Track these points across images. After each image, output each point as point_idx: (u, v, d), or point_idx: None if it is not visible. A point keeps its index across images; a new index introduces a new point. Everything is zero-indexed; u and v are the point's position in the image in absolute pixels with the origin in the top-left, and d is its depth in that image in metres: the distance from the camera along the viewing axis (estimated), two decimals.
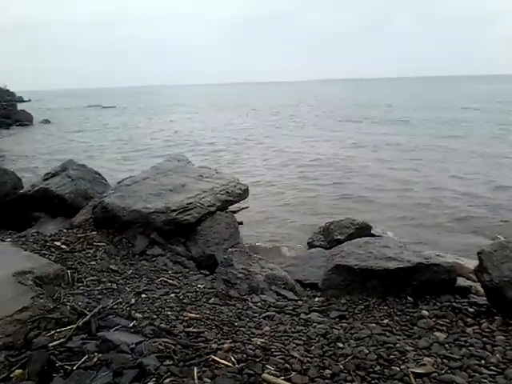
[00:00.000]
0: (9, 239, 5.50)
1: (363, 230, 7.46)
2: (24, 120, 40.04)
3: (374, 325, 3.76)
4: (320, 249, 7.06)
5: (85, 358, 2.64)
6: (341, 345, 3.31)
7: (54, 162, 16.64)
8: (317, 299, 4.67)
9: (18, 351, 2.79)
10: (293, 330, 3.62)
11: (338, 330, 3.64)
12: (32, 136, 31.42)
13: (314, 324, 3.80)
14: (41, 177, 8.21)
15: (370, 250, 4.81)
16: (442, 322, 3.72)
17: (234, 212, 7.15)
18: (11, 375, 2.53)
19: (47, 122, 41.84)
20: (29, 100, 72.10)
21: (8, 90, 52.73)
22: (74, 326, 3.07)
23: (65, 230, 6.02)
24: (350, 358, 3.07)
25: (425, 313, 3.92)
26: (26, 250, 4.62)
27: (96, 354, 2.70)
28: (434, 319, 3.78)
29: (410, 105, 48.98)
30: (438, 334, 3.51)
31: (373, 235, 7.32)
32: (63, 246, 5.24)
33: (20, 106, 45.49)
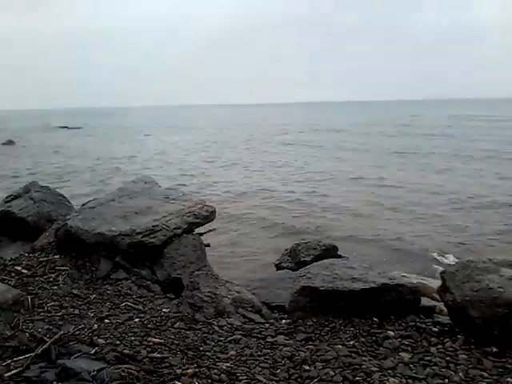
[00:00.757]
0: None
1: (330, 251, 7.50)
2: None
3: (340, 346, 3.75)
4: (287, 270, 7.05)
5: None
6: (307, 367, 3.30)
7: (18, 184, 16.30)
8: (284, 321, 4.64)
9: None
10: (259, 353, 3.59)
11: (305, 352, 3.62)
12: None
13: (281, 347, 3.77)
14: (2, 199, 7.99)
15: (336, 272, 4.82)
16: (406, 342, 3.74)
17: (201, 234, 7.08)
18: None
19: (11, 142, 40.96)
20: None
21: None
22: (33, 354, 2.98)
23: (26, 254, 5.86)
24: (315, 380, 3.06)
25: (390, 333, 3.94)
26: None
27: (55, 382, 2.62)
28: (399, 339, 3.80)
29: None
30: (403, 354, 3.53)
31: (339, 256, 7.38)
32: (24, 271, 5.10)
33: None
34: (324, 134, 44.19)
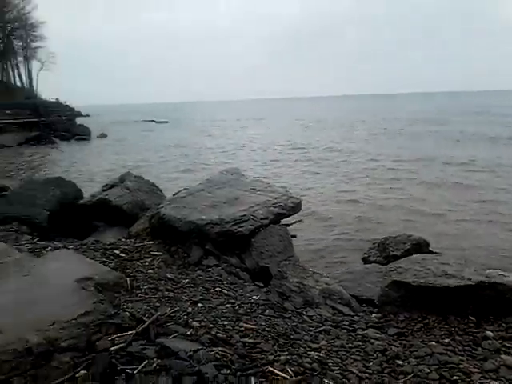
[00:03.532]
0: (71, 247, 5.70)
1: (420, 246, 7.27)
2: (82, 134, 41.72)
3: (434, 343, 3.63)
4: (375, 264, 6.93)
5: (144, 363, 2.69)
6: (400, 362, 3.23)
7: (112, 174, 17.22)
8: (374, 315, 4.57)
9: (81, 353, 2.87)
10: (350, 345, 3.56)
11: (397, 347, 3.55)
12: (90, 149, 32.67)
13: (372, 340, 3.72)
14: (100, 188, 8.48)
15: (429, 267, 4.67)
16: (509, 345, 3.54)
17: (287, 225, 7.13)
18: (76, 375, 2.60)
19: (104, 136, 43.28)
20: (87, 115, 74.88)
21: (68, 106, 55.12)
22: (134, 331, 3.13)
23: (123, 239, 6.19)
24: (410, 376, 2.99)
25: (489, 333, 3.75)
26: (87, 258, 4.77)
27: (155, 359, 2.74)
28: (499, 341, 3.61)
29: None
30: (505, 356, 3.34)
31: (430, 252, 7.12)
32: (122, 255, 5.38)
33: (78, 121, 47.31)
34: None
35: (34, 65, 67.27)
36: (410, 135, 34.14)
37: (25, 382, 2.62)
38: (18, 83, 68.43)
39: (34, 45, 66.01)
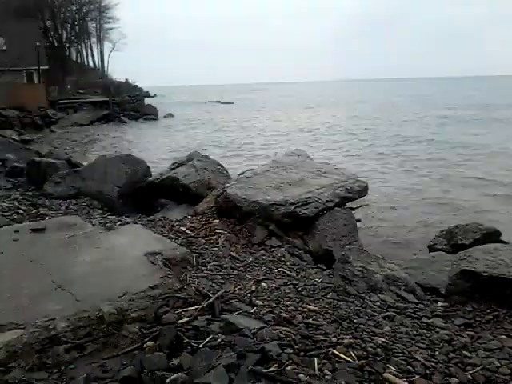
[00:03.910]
0: (140, 222, 5.90)
1: (491, 236, 6.93)
2: (150, 114, 42.78)
3: (504, 337, 3.49)
4: (442, 252, 6.69)
5: (210, 337, 2.75)
6: (468, 354, 3.12)
7: (178, 152, 17.59)
8: (439, 304, 4.45)
9: (149, 325, 2.98)
10: (414, 332, 3.48)
11: (464, 338, 3.43)
12: (158, 128, 33.51)
13: (437, 329, 3.62)
14: (168, 166, 8.69)
15: (502, 258, 4.47)
16: None
17: (352, 209, 7.03)
18: (144, 346, 2.71)
19: (171, 115, 44.19)
20: (154, 95, 76.52)
21: (137, 86, 56.56)
22: (200, 306, 3.22)
23: (189, 217, 6.33)
24: (478, 368, 2.89)
25: None
26: (155, 233, 4.92)
27: (220, 335, 2.79)
28: None
29: None
30: None
31: (502, 242, 6.80)
32: (188, 232, 5.51)
33: (146, 101, 48.50)
34: None
35: (106, 46, 69.34)
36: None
37: (96, 349, 2.76)
38: (91, 64, 70.94)
39: (106, 26, 68.04)
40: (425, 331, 3.55)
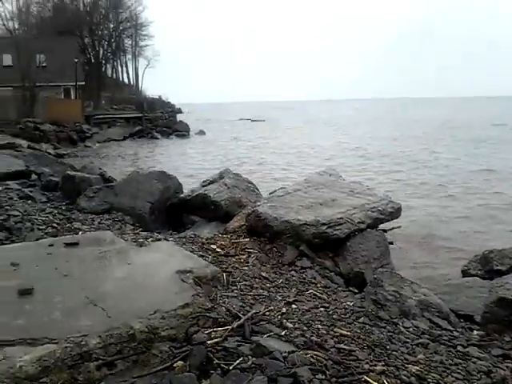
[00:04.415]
0: (171, 239, 5.93)
1: None
2: (182, 130, 43.39)
3: None
4: (477, 278, 6.52)
5: (240, 359, 2.72)
6: None
7: (210, 170, 17.73)
8: (475, 333, 4.32)
9: (179, 344, 2.96)
10: (450, 362, 3.37)
11: (504, 370, 3.31)
12: (190, 145, 33.88)
13: (474, 359, 3.50)
14: (199, 183, 8.76)
15: None
16: None
17: (385, 231, 6.92)
18: (174, 365, 2.69)
19: (202, 132, 44.66)
20: (186, 112, 77.59)
21: (169, 102, 57.57)
22: (230, 327, 3.18)
23: (219, 235, 6.33)
24: None
25: None
26: (186, 250, 4.93)
27: (250, 357, 2.76)
28: None
29: None
30: None
31: None
32: (218, 250, 5.50)
33: (178, 117, 49.20)
34: None
35: (140, 62, 70.82)
36: None
37: (127, 367, 2.75)
38: (126, 80, 72.67)
39: (141, 43, 69.72)
40: (461, 361, 3.44)
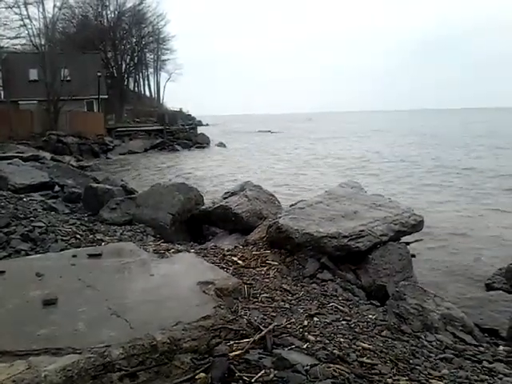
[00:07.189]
0: (192, 250, 5.96)
1: None
2: (202, 143, 43.72)
3: None
4: (501, 292, 6.42)
5: (262, 372, 2.71)
6: None
7: (231, 182, 17.79)
8: (501, 348, 4.23)
9: (201, 356, 2.97)
10: (475, 378, 3.30)
11: None
12: (210, 157, 34.03)
13: (501, 375, 3.42)
14: (221, 195, 8.81)
15: None
16: None
17: (407, 243, 6.85)
18: (196, 377, 2.69)
19: (222, 144, 44.89)
20: (207, 124, 78.20)
21: (190, 115, 58.20)
22: (251, 339, 3.18)
23: (240, 247, 6.33)
24: None
25: None
26: (207, 262, 4.95)
27: (272, 370, 2.75)
28: None
29: None
30: None
31: None
32: (239, 262, 5.50)
33: (198, 130, 49.60)
34: None
35: (162, 76, 71.93)
36: None
37: (149, 378, 2.76)
38: (148, 93, 73.76)
39: (163, 57, 70.84)
40: (487, 377, 3.36)
